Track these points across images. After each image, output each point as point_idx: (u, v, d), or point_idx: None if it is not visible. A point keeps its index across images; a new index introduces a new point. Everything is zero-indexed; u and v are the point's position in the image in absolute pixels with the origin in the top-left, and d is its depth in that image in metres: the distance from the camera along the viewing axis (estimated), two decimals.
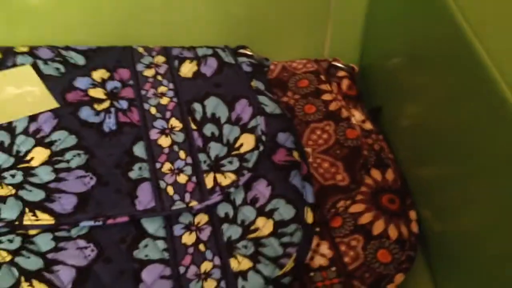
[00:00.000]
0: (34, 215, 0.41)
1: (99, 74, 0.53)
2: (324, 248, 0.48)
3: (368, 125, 0.59)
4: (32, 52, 0.53)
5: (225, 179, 0.47)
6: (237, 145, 0.50)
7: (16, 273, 0.39)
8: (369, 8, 0.62)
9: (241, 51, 0.60)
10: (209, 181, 0.47)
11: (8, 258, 0.40)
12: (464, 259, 0.46)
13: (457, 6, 0.42)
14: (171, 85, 0.53)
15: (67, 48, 0.55)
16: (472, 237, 0.45)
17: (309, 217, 0.47)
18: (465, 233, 0.46)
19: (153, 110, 0.51)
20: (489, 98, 0.39)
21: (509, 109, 0.36)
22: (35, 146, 0.46)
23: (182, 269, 0.42)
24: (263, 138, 0.50)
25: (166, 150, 0.48)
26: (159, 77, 0.54)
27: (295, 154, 0.50)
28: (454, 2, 0.42)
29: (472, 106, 0.42)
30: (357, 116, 0.60)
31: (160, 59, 0.56)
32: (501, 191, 0.40)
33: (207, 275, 0.42)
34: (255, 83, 0.55)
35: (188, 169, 0.47)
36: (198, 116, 0.51)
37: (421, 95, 0.52)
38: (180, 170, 0.47)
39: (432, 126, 0.50)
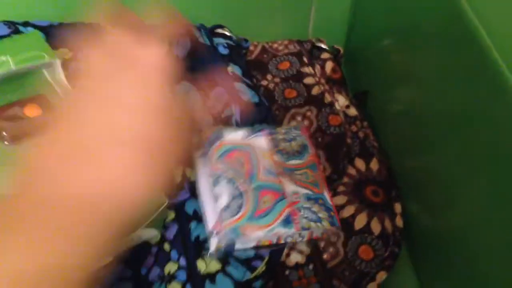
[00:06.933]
0: None
1: (61, 54, 0.48)
2: (302, 244, 0.45)
3: (353, 111, 0.55)
4: None
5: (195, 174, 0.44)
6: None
7: None
8: None
9: (218, 31, 0.56)
10: (177, 175, 0.44)
11: None
12: (451, 256, 0.43)
13: None
14: None
15: (26, 23, 0.50)
16: (460, 232, 0.42)
17: None
18: (454, 228, 0.43)
19: None
20: (488, 81, 0.35)
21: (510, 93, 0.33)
22: None
23: (143, 271, 0.39)
24: (239, 127, 0.47)
25: None
26: None
27: None
28: None
29: (469, 91, 0.38)
30: (341, 101, 0.56)
31: None
32: (495, 184, 0.37)
33: (172, 277, 0.39)
34: (231, 68, 0.51)
35: None
36: None
37: (412, 79, 0.48)
38: None
39: (422, 112, 0.47)
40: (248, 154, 0.45)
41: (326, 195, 0.45)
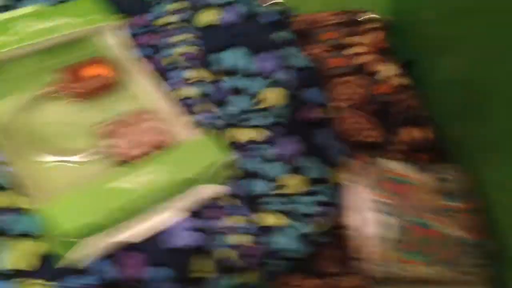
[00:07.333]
0: None
1: (115, 19, 0.49)
2: None
3: (400, 80, 0.55)
4: None
5: (247, 136, 0.44)
6: (260, 99, 0.46)
7: None
8: None
9: None
10: (228, 138, 0.44)
11: None
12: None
13: None
14: (188, 34, 0.49)
15: None
16: None
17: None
18: None
19: (167, 61, 0.47)
20: None
21: None
22: None
23: (208, 223, 0.39)
24: (289, 92, 0.47)
25: (181, 104, 0.45)
26: (175, 26, 0.50)
27: (324, 110, 0.47)
28: None
29: None
30: (388, 70, 0.55)
31: (176, 5, 0.51)
32: None
33: (236, 229, 0.39)
34: (280, 34, 0.51)
35: (206, 125, 0.44)
36: (217, 67, 0.47)
37: (464, 47, 0.48)
38: (197, 125, 0.44)
39: (472, 81, 0.46)
40: (409, 188, 0.45)
41: (482, 241, 0.44)
